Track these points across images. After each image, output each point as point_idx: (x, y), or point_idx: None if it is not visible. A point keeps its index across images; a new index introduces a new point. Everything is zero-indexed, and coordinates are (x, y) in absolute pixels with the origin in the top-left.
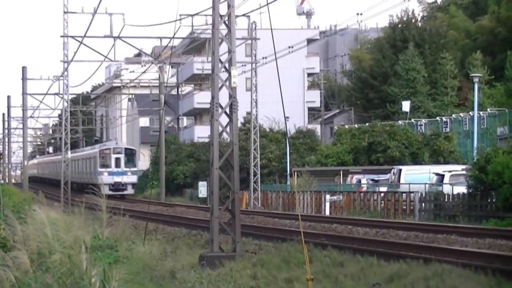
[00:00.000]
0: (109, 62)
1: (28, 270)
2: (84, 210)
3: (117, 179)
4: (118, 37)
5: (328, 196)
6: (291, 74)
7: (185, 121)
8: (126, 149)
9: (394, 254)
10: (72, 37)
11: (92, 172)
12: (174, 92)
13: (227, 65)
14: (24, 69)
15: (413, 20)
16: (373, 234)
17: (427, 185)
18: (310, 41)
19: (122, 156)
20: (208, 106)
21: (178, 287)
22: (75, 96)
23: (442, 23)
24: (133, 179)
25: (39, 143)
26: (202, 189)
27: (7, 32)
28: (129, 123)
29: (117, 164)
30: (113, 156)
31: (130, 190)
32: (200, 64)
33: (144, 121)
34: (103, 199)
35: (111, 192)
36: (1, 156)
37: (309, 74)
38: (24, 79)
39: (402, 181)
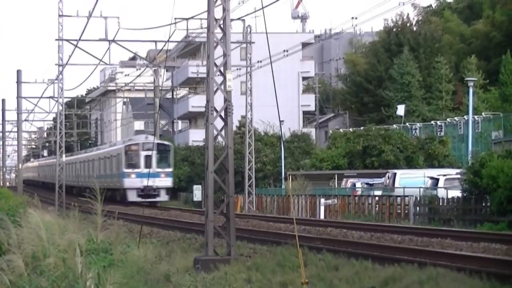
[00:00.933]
0: (104, 66)
1: (23, 273)
2: (79, 213)
3: (148, 182)
4: (113, 40)
5: (322, 200)
6: (286, 78)
7: (180, 125)
8: (158, 144)
9: (388, 258)
10: (67, 40)
11: (115, 174)
12: (169, 95)
13: (222, 69)
14: (19, 72)
15: (408, 24)
16: (367, 237)
17: (421, 189)
18: (305, 45)
19: (153, 154)
20: (203, 109)
21: None
22: (70, 99)
23: (437, 27)
24: (168, 182)
25: (33, 146)
26: (197, 192)
27: (1, 35)
28: (124, 126)
29: (148, 164)
30: (142, 154)
31: (163, 197)
32: (195, 68)
33: (139, 125)
34: (99, 204)
35: (139, 199)
36: None
37: (304, 78)
38: (18, 82)
39: (396, 185)
